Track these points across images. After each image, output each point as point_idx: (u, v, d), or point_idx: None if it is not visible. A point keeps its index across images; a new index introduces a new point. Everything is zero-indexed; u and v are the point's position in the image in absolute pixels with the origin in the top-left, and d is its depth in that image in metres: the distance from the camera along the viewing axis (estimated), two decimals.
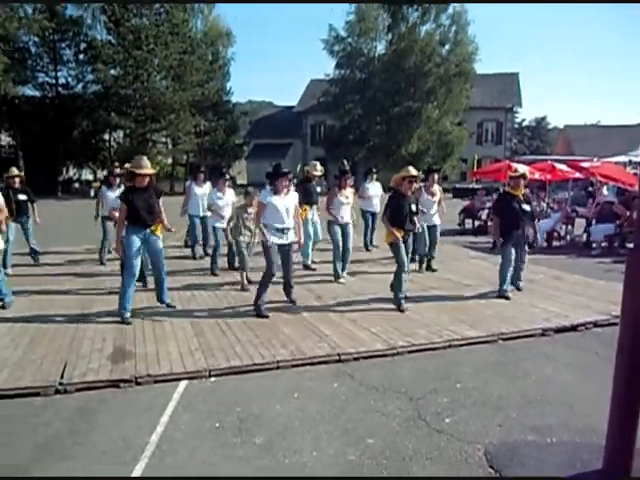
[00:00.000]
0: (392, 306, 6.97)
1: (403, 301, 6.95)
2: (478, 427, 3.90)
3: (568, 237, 13.72)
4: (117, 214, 7.00)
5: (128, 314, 6.38)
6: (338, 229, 8.61)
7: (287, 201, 6.80)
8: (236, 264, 8.86)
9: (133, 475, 3.35)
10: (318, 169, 9.64)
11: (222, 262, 9.35)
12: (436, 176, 9.50)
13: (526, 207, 7.56)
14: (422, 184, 9.35)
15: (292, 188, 7.15)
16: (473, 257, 11.06)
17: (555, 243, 13.35)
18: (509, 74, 47.26)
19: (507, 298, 7.37)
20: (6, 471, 3.38)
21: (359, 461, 3.48)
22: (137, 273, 6.57)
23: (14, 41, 37.93)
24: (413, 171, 7.18)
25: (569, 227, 13.94)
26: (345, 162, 10.96)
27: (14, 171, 9.77)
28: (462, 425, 3.94)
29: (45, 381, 4.61)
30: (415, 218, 7.28)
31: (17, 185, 9.57)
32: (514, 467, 3.42)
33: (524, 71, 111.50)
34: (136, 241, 6.41)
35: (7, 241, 8.73)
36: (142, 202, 6.41)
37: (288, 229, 6.79)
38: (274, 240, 6.66)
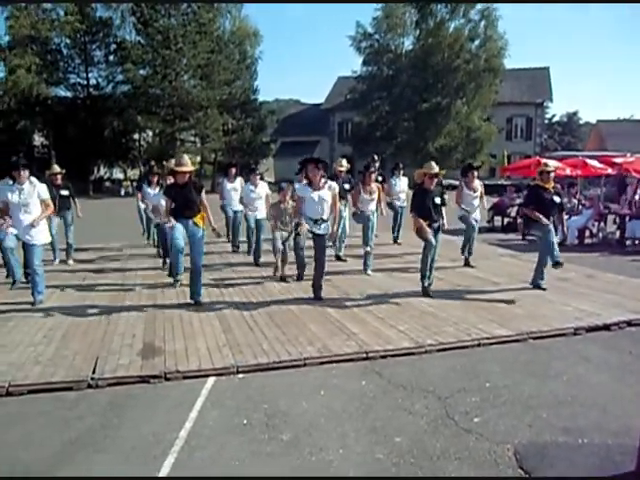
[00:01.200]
0: (420, 304, 6.93)
1: (427, 282, 7.31)
2: (508, 427, 3.85)
3: (600, 234, 13.42)
4: (162, 208, 7.76)
5: (180, 277, 7.79)
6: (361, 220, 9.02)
7: (323, 193, 7.01)
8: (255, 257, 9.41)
9: (162, 470, 3.39)
10: (343, 165, 9.77)
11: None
12: (475, 172, 9.54)
13: (556, 199, 7.66)
14: (463, 179, 9.51)
15: (328, 181, 7.23)
16: (502, 255, 10.91)
17: (587, 240, 13.09)
18: (539, 68, 46.45)
19: (543, 289, 7.52)
20: (41, 464, 3.46)
21: (387, 460, 3.46)
22: (182, 248, 6.99)
23: (46, 43, 38.81)
24: (435, 168, 7.37)
25: (601, 224, 13.64)
26: (375, 157, 11.00)
27: (56, 168, 10.15)
28: (491, 425, 3.89)
29: (77, 376, 4.70)
30: (443, 210, 7.54)
31: (59, 182, 9.97)
32: (544, 468, 3.36)
33: (555, 65, 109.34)
34: (180, 226, 6.86)
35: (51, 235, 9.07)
36: (182, 198, 6.85)
37: (323, 220, 7.04)
38: (308, 228, 7.03)
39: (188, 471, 3.38)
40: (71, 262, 10.07)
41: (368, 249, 8.76)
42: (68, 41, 40.52)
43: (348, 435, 3.78)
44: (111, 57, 42.26)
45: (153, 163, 12.60)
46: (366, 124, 42.40)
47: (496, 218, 16.33)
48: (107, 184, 44.58)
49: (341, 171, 9.73)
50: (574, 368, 4.97)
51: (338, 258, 9.74)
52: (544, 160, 9.42)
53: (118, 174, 48.31)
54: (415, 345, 5.45)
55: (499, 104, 41.83)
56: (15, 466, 3.44)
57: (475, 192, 9.39)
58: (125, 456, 3.54)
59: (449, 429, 3.84)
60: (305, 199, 7.03)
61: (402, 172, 11.74)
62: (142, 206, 11.41)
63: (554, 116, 68.65)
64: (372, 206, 9.05)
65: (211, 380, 4.74)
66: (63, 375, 4.73)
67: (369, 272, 8.76)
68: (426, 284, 7.37)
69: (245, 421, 4.01)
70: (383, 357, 5.23)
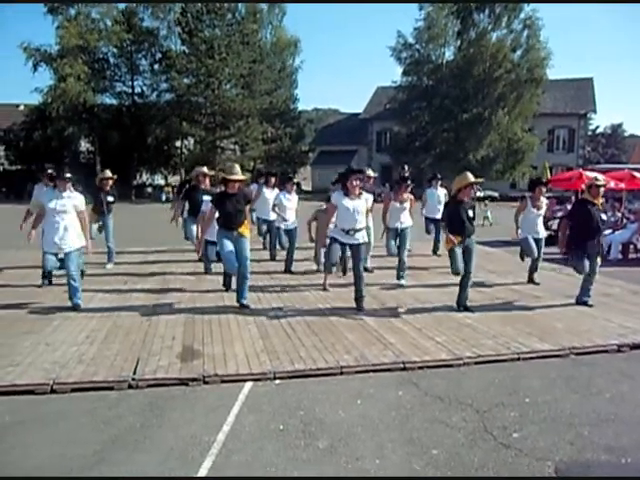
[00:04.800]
0: (458, 316, 6.87)
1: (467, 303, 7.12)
2: (548, 444, 3.77)
3: None
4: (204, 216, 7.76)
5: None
6: (392, 240, 8.91)
7: (357, 203, 7.02)
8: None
9: (200, 471, 3.43)
10: (370, 174, 9.70)
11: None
12: (543, 189, 8.99)
13: (604, 216, 7.39)
14: (528, 195, 9.02)
15: (364, 193, 7.24)
16: (543, 268, 10.66)
17: (631, 255, 12.73)
18: (583, 79, 45.61)
19: (589, 305, 7.30)
20: (81, 462, 3.55)
21: (423, 472, 3.43)
22: (235, 265, 6.99)
23: (94, 52, 40.09)
24: (470, 177, 7.11)
25: None
26: (405, 167, 10.88)
27: (108, 173, 10.21)
28: (531, 441, 3.81)
29: (119, 376, 4.81)
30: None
31: (108, 187, 10.06)
32: None
33: (600, 76, 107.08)
34: (228, 242, 6.97)
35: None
36: (231, 206, 6.95)
37: (356, 230, 7.02)
38: (338, 238, 7.05)
39: (225, 474, 3.42)
40: (109, 266, 10.10)
41: (402, 282, 8.67)
42: (115, 50, 41.82)
43: (385, 445, 3.76)
44: (156, 66, 43.41)
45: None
46: (405, 134, 42.28)
47: None
48: (149, 190, 45.54)
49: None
50: (617, 385, 4.84)
51: (364, 270, 9.51)
52: (594, 174, 8.97)
53: (159, 180, 49.32)
54: (453, 357, 5.39)
55: (541, 115, 41.19)
56: (61, 462, 3.54)
57: (539, 210, 8.82)
58: (164, 457, 3.61)
59: (487, 443, 3.79)
60: (339, 207, 7.04)
61: (440, 183, 11.52)
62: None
63: (597, 127, 67.13)
64: (403, 217, 8.88)
65: (248, 385, 4.78)
66: (105, 375, 4.84)
67: (402, 282, 8.64)
68: (463, 308, 7.13)
69: (281, 427, 4.03)
70: (420, 368, 5.19)
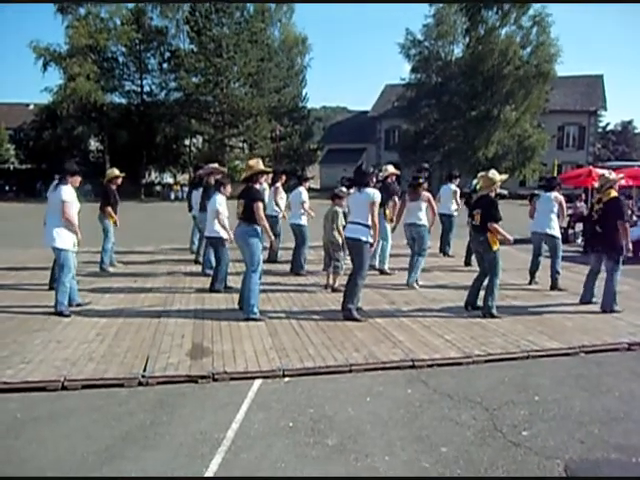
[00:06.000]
0: (466, 314, 6.86)
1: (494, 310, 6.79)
2: (557, 442, 3.76)
3: None
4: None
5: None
6: (408, 236, 8.71)
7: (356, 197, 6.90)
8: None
9: (210, 467, 3.45)
10: (389, 170, 9.50)
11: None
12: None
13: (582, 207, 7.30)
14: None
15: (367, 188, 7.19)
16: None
17: None
18: (593, 76, 45.19)
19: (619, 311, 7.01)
20: (93, 458, 3.58)
21: (433, 469, 3.44)
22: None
23: (104, 51, 40.23)
24: (497, 175, 7.02)
25: None
26: (426, 165, 10.73)
27: (116, 172, 10.16)
28: (540, 439, 3.80)
29: (129, 373, 4.85)
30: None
31: (115, 186, 10.05)
32: None
33: (610, 73, 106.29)
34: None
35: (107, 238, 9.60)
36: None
37: (352, 223, 6.86)
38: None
39: (235, 471, 3.44)
40: (111, 269, 9.84)
41: (416, 286, 8.48)
42: (124, 49, 41.92)
43: (394, 443, 3.76)
44: (165, 65, 43.51)
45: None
46: (413, 132, 42.11)
47: None
48: (157, 188, 45.67)
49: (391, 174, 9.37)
50: (627, 384, 4.82)
51: (382, 272, 9.42)
52: (604, 171, 8.79)
53: (168, 179, 49.47)
54: (462, 355, 5.39)
55: (551, 112, 40.87)
56: (73, 457, 3.58)
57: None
58: (174, 453, 3.63)
59: (497, 441, 3.78)
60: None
61: (458, 181, 11.43)
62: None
63: (608, 125, 66.53)
64: (419, 215, 8.62)
65: (257, 382, 4.80)
66: (115, 372, 4.88)
67: (414, 284, 8.47)
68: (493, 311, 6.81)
69: (291, 424, 4.05)
70: (429, 366, 5.19)
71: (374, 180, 7.04)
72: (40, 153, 41.57)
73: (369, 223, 6.48)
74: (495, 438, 3.83)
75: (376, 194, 6.56)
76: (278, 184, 10.58)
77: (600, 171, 11.49)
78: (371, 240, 6.53)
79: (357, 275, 6.55)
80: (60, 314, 6.62)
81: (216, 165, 10.06)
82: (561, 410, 4.27)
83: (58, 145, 38.95)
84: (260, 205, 6.55)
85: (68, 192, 6.74)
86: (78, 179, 7.09)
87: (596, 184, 7.84)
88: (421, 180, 8.88)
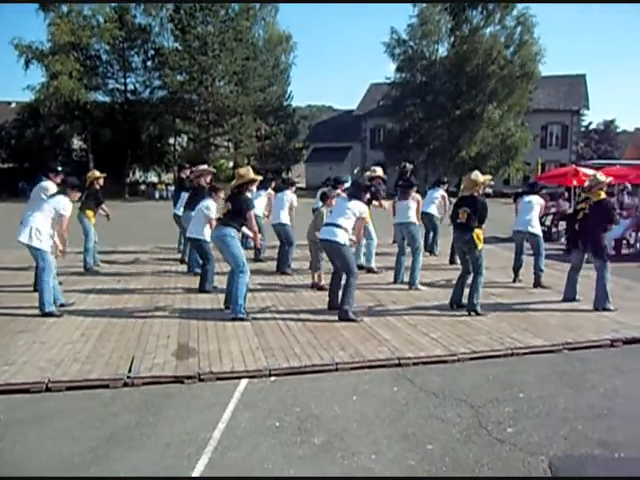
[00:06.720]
0: (452, 312, 6.90)
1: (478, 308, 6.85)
2: (542, 438, 3.80)
3: (638, 245, 13.11)
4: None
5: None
6: (399, 235, 8.77)
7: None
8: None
9: (197, 468, 3.44)
10: (377, 171, 9.67)
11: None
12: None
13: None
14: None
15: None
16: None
17: (624, 251, 12.80)
18: (576, 76, 45.69)
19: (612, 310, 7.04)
20: (79, 459, 3.55)
21: (419, 467, 3.46)
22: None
23: (86, 49, 39.81)
24: (481, 176, 7.06)
25: (639, 234, 13.32)
26: (407, 165, 10.79)
27: (97, 173, 10.19)
28: (525, 436, 3.84)
29: (114, 374, 4.82)
30: None
31: (98, 186, 10.02)
32: None
33: (592, 72, 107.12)
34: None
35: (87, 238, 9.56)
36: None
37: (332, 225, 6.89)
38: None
39: (222, 471, 3.43)
40: (95, 269, 9.82)
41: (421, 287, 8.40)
42: (107, 47, 41.48)
43: (380, 441, 3.78)
44: (149, 63, 43.14)
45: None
46: (398, 131, 42.23)
47: None
48: (142, 187, 45.31)
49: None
50: (611, 380, 4.88)
51: (370, 271, 9.42)
52: (591, 171, 8.99)
53: (153, 178, 49.11)
54: (448, 353, 5.42)
55: (534, 111, 41.24)
56: (59, 458, 3.55)
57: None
58: (160, 454, 3.61)
59: (482, 438, 3.81)
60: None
61: (447, 187, 11.27)
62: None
63: (590, 124, 67.22)
64: (408, 215, 8.52)
65: (244, 382, 4.79)
66: (100, 373, 4.85)
67: (417, 284, 8.36)
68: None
69: (277, 424, 4.05)
70: (415, 364, 5.21)
71: (367, 196, 7.10)
72: (22, 152, 41.09)
73: (348, 228, 6.60)
74: (480, 435, 3.86)
75: (365, 211, 6.80)
76: (270, 190, 10.63)
77: (590, 172, 11.62)
78: (348, 243, 6.63)
79: (349, 276, 6.58)
80: (50, 315, 6.55)
81: (205, 166, 10.05)
82: (545, 407, 4.32)
83: (41, 144, 38.53)
84: (253, 214, 6.73)
85: (68, 205, 6.72)
86: (78, 194, 7.16)
87: (585, 183, 7.93)
88: (413, 183, 9.02)
